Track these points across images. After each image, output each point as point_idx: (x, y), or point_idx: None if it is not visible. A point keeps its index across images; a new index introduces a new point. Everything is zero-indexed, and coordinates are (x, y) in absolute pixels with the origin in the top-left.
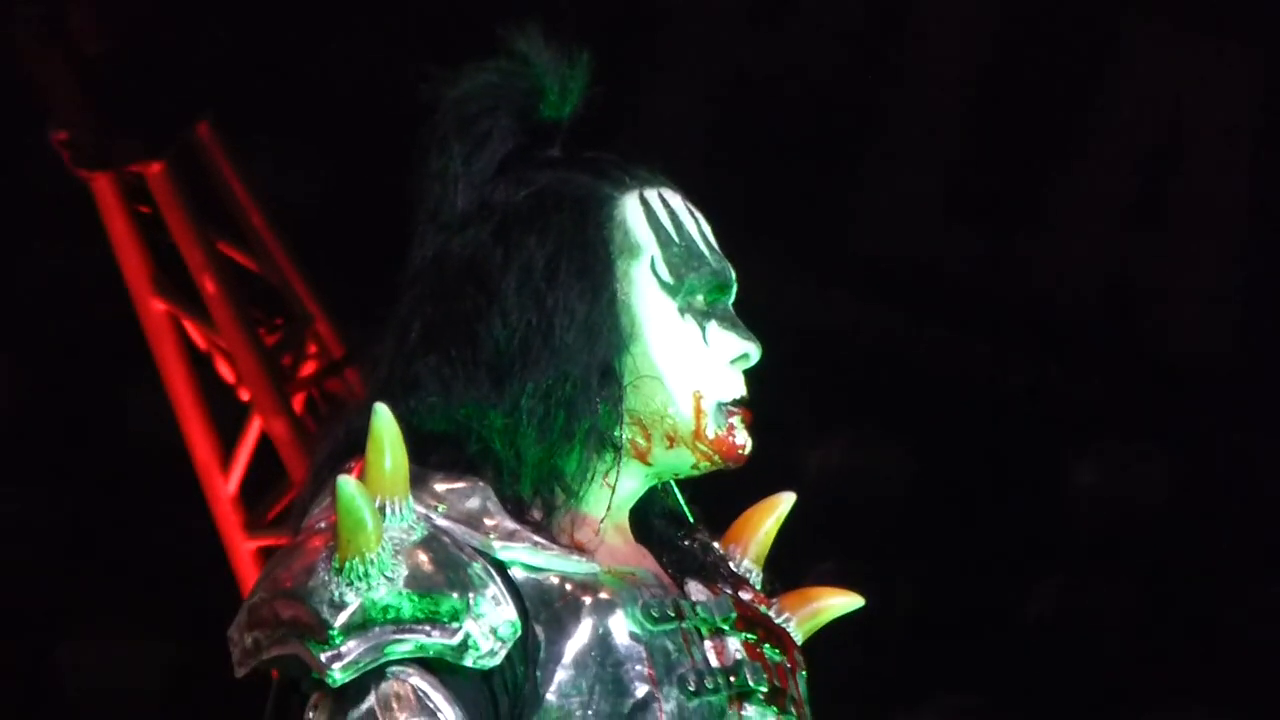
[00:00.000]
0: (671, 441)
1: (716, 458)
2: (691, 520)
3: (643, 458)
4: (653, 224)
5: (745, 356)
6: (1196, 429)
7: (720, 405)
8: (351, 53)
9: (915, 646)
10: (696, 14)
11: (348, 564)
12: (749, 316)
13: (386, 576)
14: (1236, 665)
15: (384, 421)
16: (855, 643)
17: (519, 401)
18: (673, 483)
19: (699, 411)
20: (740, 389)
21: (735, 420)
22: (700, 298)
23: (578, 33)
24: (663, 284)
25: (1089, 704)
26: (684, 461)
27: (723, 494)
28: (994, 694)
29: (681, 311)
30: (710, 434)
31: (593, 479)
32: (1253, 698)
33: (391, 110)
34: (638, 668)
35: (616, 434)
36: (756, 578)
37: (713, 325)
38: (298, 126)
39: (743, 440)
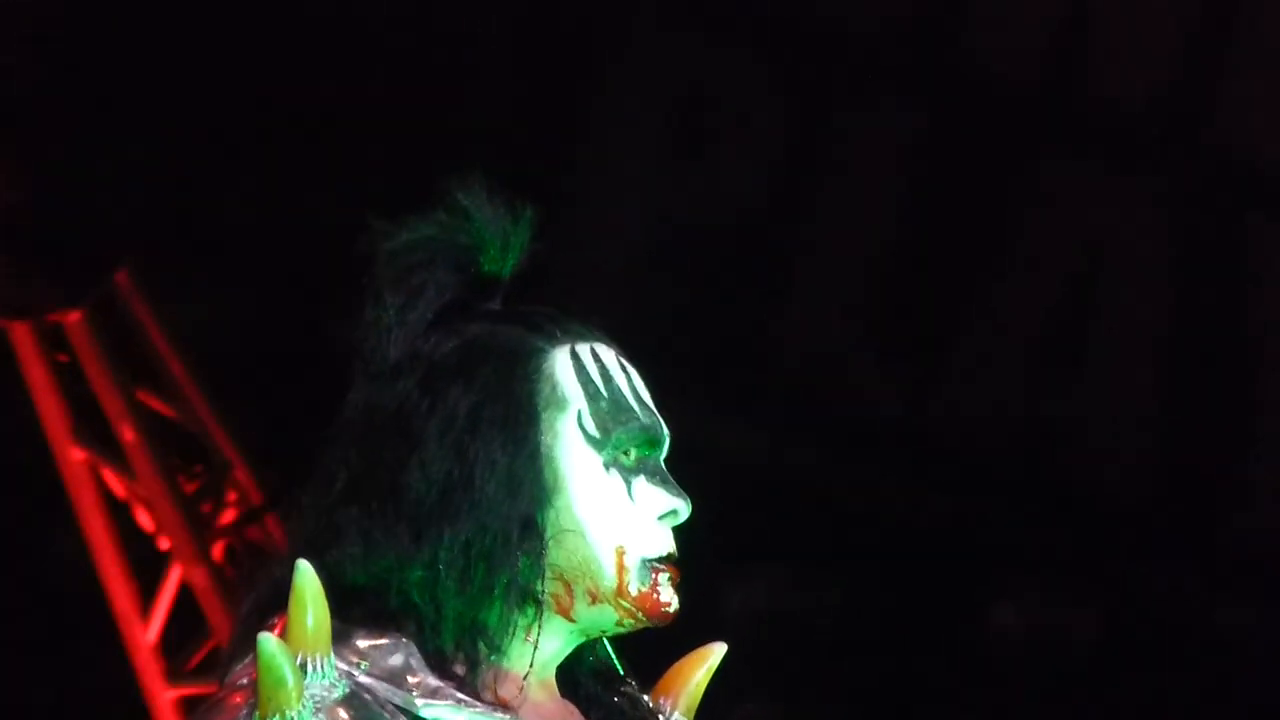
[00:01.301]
0: (594, 598)
1: (640, 615)
2: (621, 673)
3: (566, 614)
4: (581, 378)
5: (674, 513)
6: (1118, 566)
7: (645, 561)
8: (275, 198)
9: None
10: (621, 152)
11: None
12: (676, 455)
13: None
14: None
15: (306, 578)
16: None
17: (438, 554)
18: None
19: (621, 568)
20: (668, 546)
21: (661, 578)
22: (629, 453)
23: (501, 178)
24: (589, 438)
25: None
26: (607, 618)
27: (650, 644)
28: None
29: (607, 466)
30: (633, 590)
31: (514, 634)
32: None
33: (313, 257)
34: None
35: (538, 588)
36: None
37: (640, 480)
38: (218, 274)
39: (668, 598)
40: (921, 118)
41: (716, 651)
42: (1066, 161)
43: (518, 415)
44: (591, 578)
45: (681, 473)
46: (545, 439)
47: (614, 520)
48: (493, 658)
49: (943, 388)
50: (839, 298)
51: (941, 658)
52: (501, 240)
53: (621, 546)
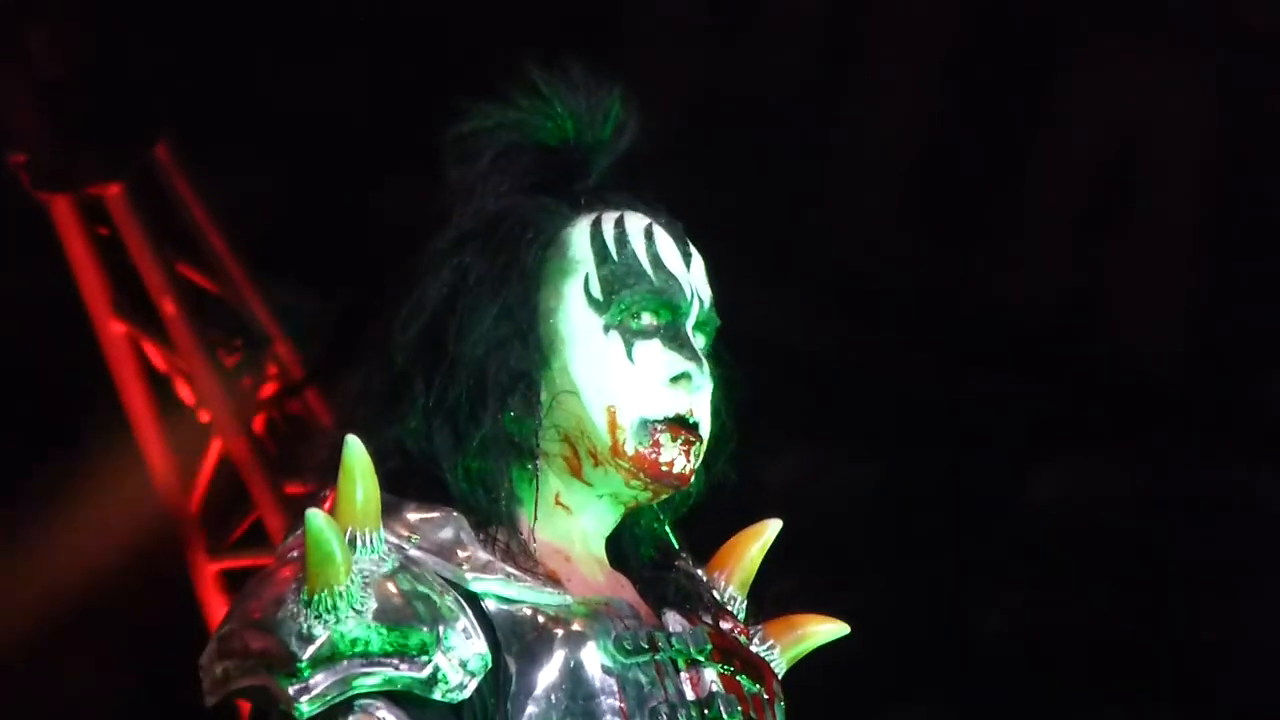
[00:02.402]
0: (595, 459)
1: (642, 475)
2: (676, 547)
3: (578, 475)
4: (595, 244)
5: (686, 376)
6: (1153, 440)
7: (645, 422)
8: (312, 73)
9: (879, 659)
10: (658, 33)
11: (316, 597)
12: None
13: (355, 609)
14: (1198, 672)
15: (355, 453)
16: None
17: (439, 407)
18: (657, 508)
19: (614, 426)
20: (676, 408)
21: (664, 438)
22: (640, 316)
23: (548, 53)
24: (591, 300)
25: (1049, 717)
26: (616, 481)
27: (709, 520)
28: (958, 705)
29: (607, 328)
30: (629, 450)
31: (542, 494)
32: (1211, 704)
33: (354, 132)
34: (609, 701)
35: (532, 442)
36: (740, 605)
37: (648, 343)
38: (258, 147)
39: (669, 458)
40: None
41: (772, 527)
42: (1106, 37)
43: (521, 278)
44: (589, 438)
45: (731, 351)
46: (549, 302)
47: (607, 381)
48: (535, 526)
49: (978, 265)
50: (876, 178)
51: (979, 533)
52: (583, 128)
53: (613, 406)
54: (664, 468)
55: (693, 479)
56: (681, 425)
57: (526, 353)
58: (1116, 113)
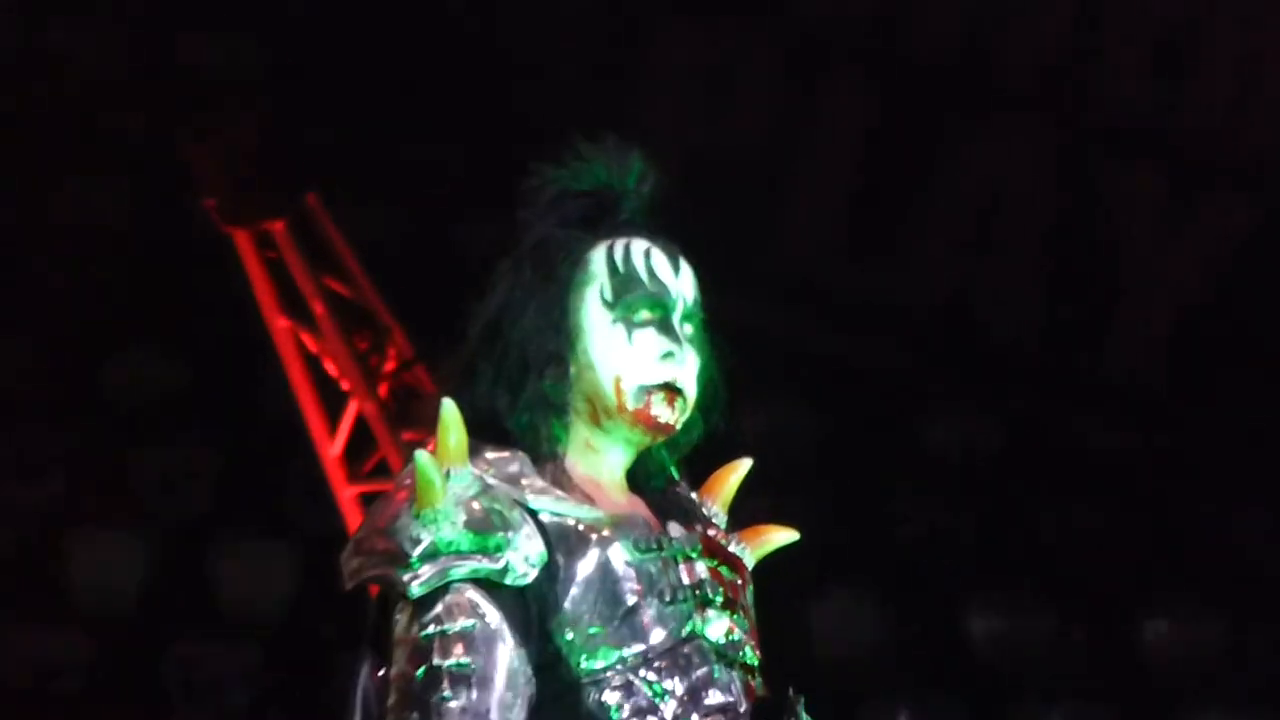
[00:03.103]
0: (607, 413)
1: (639, 425)
2: (676, 477)
3: (598, 425)
4: (608, 264)
5: (670, 354)
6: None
7: (641, 387)
8: (419, 138)
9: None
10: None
11: (422, 512)
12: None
13: (450, 521)
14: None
15: (450, 410)
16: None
17: (500, 377)
18: (664, 450)
19: (619, 391)
20: (664, 377)
21: (654, 398)
22: (638, 312)
23: (590, 121)
24: (604, 302)
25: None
26: (623, 428)
27: (703, 458)
28: (882, 586)
29: (614, 322)
30: (630, 407)
31: (572, 439)
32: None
33: (448, 180)
34: (629, 585)
35: (562, 401)
36: (721, 519)
37: (644, 331)
38: (382, 194)
39: (657, 412)
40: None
41: (745, 464)
42: (975, 122)
43: (556, 287)
44: (601, 398)
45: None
46: (574, 303)
47: (614, 358)
48: (578, 468)
49: (892, 274)
50: (822, 212)
51: (889, 468)
52: (615, 178)
53: (619, 376)
54: (654, 419)
55: (678, 427)
56: (668, 389)
57: (558, 339)
58: (988, 173)
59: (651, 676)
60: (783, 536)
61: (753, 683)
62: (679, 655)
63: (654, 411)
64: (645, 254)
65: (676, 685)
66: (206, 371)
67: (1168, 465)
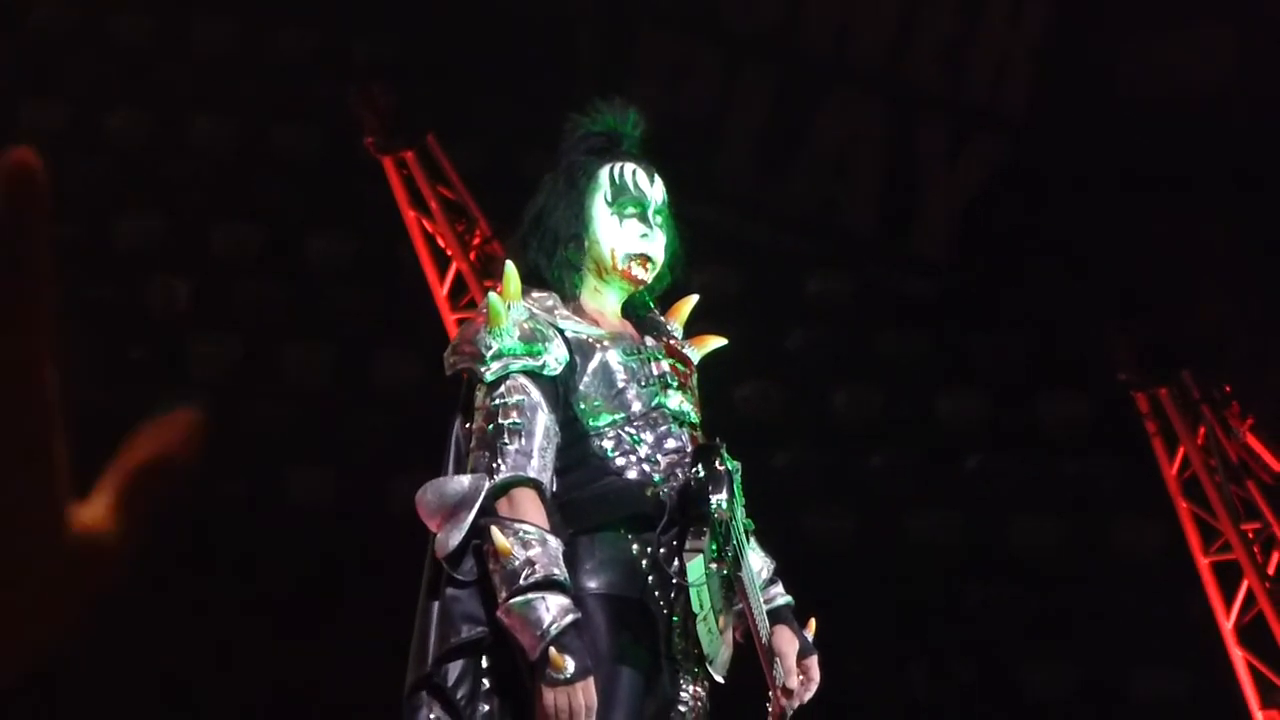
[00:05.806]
0: (607, 271)
1: (627, 280)
2: (652, 307)
3: (601, 278)
4: (610, 178)
5: (646, 235)
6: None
7: (627, 255)
8: (508, 94)
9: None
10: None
11: (493, 330)
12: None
13: (510, 335)
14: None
15: (510, 268)
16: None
17: (542, 247)
18: (644, 293)
19: (613, 257)
20: (642, 248)
21: (634, 263)
22: (628, 209)
23: (606, 86)
24: (606, 202)
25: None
26: (616, 281)
27: (669, 297)
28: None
29: (612, 214)
30: (620, 268)
31: (586, 284)
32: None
33: (514, 126)
34: (620, 374)
35: (579, 261)
36: (679, 332)
37: (630, 220)
38: (474, 133)
39: (637, 272)
40: None
41: (693, 299)
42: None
43: (577, 193)
44: (602, 260)
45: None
46: (588, 203)
47: (610, 237)
48: (590, 304)
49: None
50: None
51: (777, 316)
52: (618, 125)
53: (613, 249)
54: (634, 276)
55: (649, 280)
56: (643, 257)
57: (578, 225)
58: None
59: (632, 431)
60: (716, 342)
61: (696, 435)
62: (649, 418)
63: (634, 272)
64: (634, 173)
65: (647, 436)
66: (371, 246)
67: None
